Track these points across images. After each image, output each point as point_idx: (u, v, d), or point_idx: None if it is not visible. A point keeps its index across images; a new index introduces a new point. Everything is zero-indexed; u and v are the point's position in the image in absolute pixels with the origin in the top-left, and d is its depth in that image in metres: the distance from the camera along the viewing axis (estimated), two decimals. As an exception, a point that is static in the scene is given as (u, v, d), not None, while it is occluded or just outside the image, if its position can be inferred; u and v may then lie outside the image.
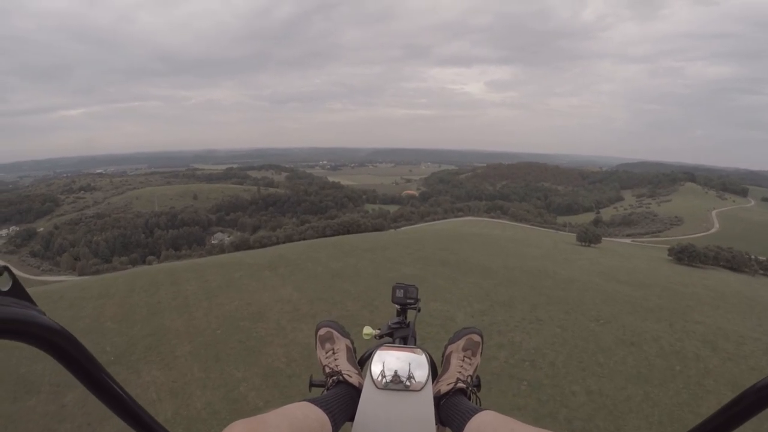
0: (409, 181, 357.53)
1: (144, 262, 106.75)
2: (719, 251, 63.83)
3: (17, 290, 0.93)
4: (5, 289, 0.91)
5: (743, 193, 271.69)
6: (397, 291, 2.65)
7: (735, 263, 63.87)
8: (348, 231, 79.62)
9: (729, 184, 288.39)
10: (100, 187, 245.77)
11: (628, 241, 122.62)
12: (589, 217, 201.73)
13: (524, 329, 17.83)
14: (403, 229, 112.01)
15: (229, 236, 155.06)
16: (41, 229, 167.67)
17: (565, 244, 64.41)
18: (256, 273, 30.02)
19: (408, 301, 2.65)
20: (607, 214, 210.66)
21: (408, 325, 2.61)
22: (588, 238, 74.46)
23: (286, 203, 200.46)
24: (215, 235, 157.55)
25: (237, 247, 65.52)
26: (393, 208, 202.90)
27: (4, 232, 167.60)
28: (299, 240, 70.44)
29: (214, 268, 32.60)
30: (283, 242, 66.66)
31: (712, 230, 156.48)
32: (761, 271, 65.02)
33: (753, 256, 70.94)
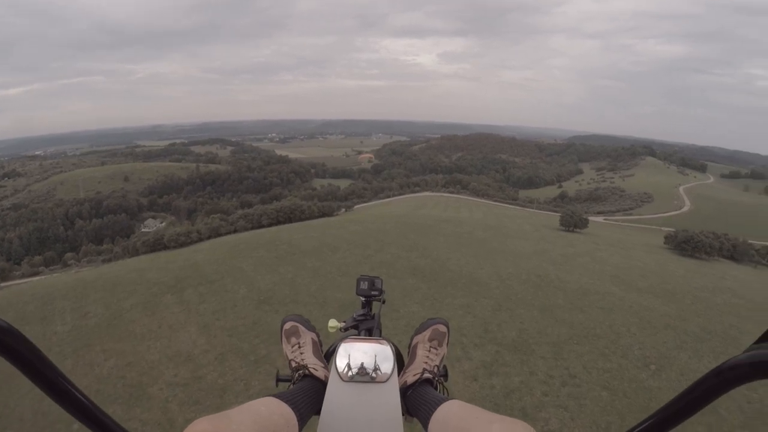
0: (360, 153, 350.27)
1: (61, 262, 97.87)
2: (720, 240, 59.25)
3: None
4: None
5: (702, 168, 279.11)
6: (362, 283, 2.76)
7: (736, 253, 60.19)
8: (289, 219, 71.64)
9: (688, 159, 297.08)
10: (28, 172, 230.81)
11: (600, 219, 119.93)
12: (552, 191, 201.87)
13: (558, 401, 13.84)
14: (356, 208, 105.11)
15: (162, 222, 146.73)
16: None
17: (548, 230, 59.35)
18: (154, 300, 24.23)
19: (372, 292, 2.75)
20: (569, 188, 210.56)
21: (373, 317, 2.68)
22: (574, 222, 67.84)
23: (226, 182, 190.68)
24: (146, 222, 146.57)
25: (152, 246, 56.83)
26: (344, 183, 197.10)
27: None
28: (227, 233, 62.89)
29: (101, 292, 26.40)
30: (207, 237, 58.55)
31: (684, 209, 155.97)
32: (764, 261, 62.32)
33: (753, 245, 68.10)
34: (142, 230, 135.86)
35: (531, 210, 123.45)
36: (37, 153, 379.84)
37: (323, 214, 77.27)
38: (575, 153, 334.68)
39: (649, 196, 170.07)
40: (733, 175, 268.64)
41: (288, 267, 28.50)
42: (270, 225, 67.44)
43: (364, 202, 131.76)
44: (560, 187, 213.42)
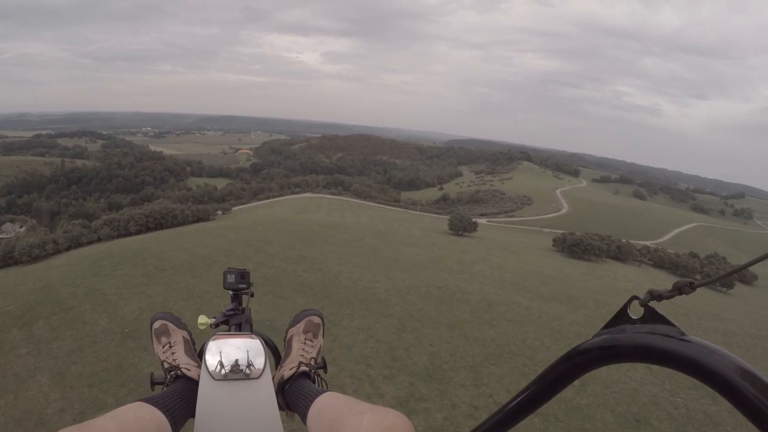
0: (237, 150, 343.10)
1: None
2: (605, 242, 62.23)
3: None
4: None
5: (575, 173, 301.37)
6: (228, 276, 2.64)
7: (621, 254, 63.67)
8: (160, 225, 66.96)
9: (562, 164, 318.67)
10: None
11: (484, 221, 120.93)
12: (433, 193, 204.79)
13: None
14: (235, 210, 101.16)
15: (21, 227, 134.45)
16: None
17: (438, 235, 60.31)
18: None
19: (241, 285, 2.64)
20: (450, 190, 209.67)
21: (243, 311, 2.60)
22: (463, 226, 67.79)
23: (94, 180, 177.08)
24: (3, 227, 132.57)
25: (2, 260, 50.76)
26: (221, 182, 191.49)
27: None
28: (90, 243, 57.71)
29: None
30: (66, 248, 53.10)
31: (563, 210, 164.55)
32: (645, 260, 66.85)
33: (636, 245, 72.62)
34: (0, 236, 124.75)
35: (415, 212, 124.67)
36: None
37: (198, 219, 73.02)
38: (455, 156, 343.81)
39: (529, 199, 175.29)
40: (604, 180, 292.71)
41: (157, 287, 25.40)
42: (138, 232, 62.84)
43: (243, 203, 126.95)
44: (441, 189, 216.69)
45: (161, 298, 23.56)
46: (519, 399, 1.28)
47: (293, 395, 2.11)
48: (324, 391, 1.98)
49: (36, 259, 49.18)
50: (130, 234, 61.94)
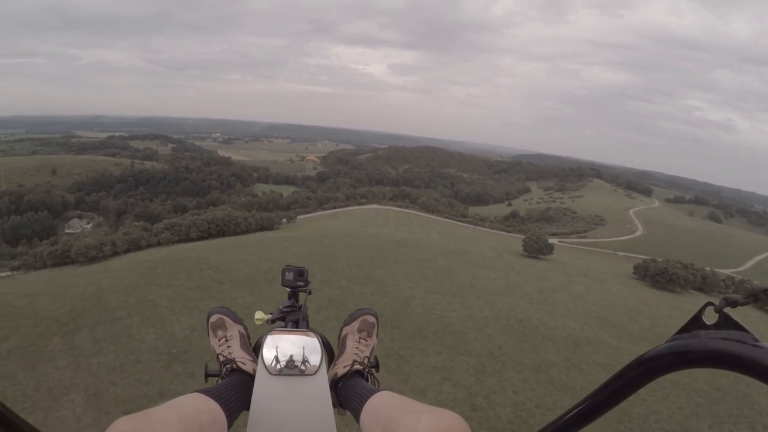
0: (304, 159, 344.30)
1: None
2: (690, 271, 57.61)
3: None
4: None
5: (647, 192, 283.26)
6: (287, 274, 2.72)
7: (706, 285, 59.06)
8: (222, 232, 65.64)
9: (633, 183, 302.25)
10: None
11: (555, 242, 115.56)
12: (501, 209, 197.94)
13: None
14: (300, 220, 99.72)
15: (88, 223, 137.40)
16: None
17: (512, 257, 56.55)
18: (37, 344, 19.14)
19: (299, 283, 2.73)
20: (518, 206, 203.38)
21: (299, 308, 2.66)
22: (538, 248, 64.12)
23: (161, 182, 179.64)
24: (71, 223, 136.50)
25: (58, 259, 49.90)
26: (287, 190, 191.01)
27: None
28: (148, 247, 56.87)
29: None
30: (125, 251, 52.21)
31: (637, 233, 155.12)
32: (732, 293, 57.32)
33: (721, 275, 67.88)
34: (66, 231, 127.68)
35: (484, 229, 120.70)
36: None
37: (262, 228, 71.45)
38: (522, 171, 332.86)
39: (601, 219, 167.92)
40: (677, 200, 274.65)
41: (212, 302, 22.50)
42: (200, 238, 61.60)
43: (308, 212, 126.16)
44: (510, 205, 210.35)
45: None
46: (586, 403, 1.28)
47: (346, 393, 2.16)
48: (379, 390, 2.01)
49: (92, 260, 48.44)
50: (191, 240, 61.02)
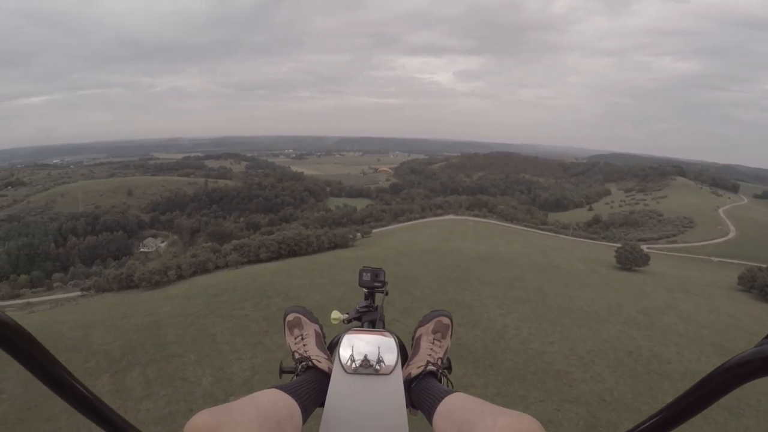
0: (377, 171, 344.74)
1: (44, 285, 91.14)
2: None
3: None
4: None
5: (734, 188, 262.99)
6: (364, 274, 2.77)
7: None
8: (293, 252, 63.63)
9: (718, 179, 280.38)
10: (34, 181, 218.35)
11: (644, 248, 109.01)
12: (582, 214, 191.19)
13: None
14: (375, 233, 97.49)
15: (163, 242, 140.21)
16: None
17: (605, 269, 52.98)
18: (86, 384, 14.88)
19: (375, 284, 2.76)
20: (599, 210, 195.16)
21: (376, 309, 2.70)
22: (633, 259, 59.22)
23: (234, 199, 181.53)
24: (145, 241, 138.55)
25: (123, 283, 49.00)
26: (361, 203, 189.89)
27: None
28: (216, 269, 55.49)
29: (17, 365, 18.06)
30: (191, 274, 51.23)
31: (730, 235, 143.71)
32: None
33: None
34: (141, 250, 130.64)
35: (567, 237, 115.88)
36: (54, 161, 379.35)
37: (335, 245, 69.35)
38: (600, 172, 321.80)
39: (690, 221, 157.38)
40: (766, 195, 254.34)
41: (278, 338, 20.02)
42: (269, 259, 59.61)
43: (383, 225, 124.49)
44: (590, 209, 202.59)
45: (281, 354, 18.34)
46: (671, 409, 1.25)
47: (419, 393, 2.15)
48: (453, 391, 1.99)
49: (156, 285, 47.23)
50: (260, 261, 59.12)
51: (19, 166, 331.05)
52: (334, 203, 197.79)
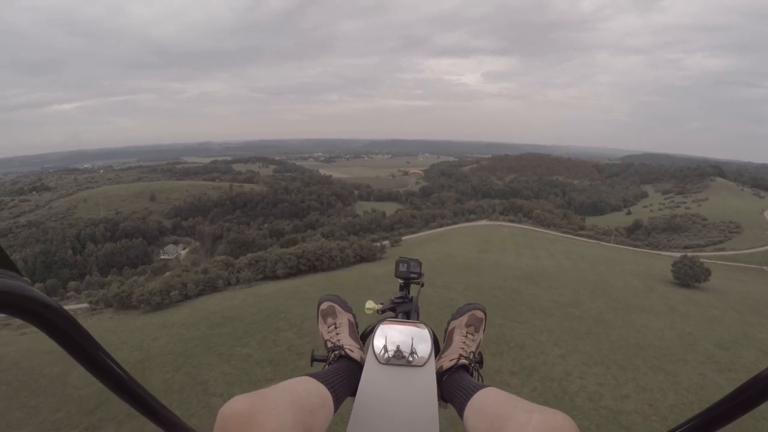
0: (406, 173, 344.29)
1: (58, 294, 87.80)
2: None
3: (2, 260, 0.90)
4: None
5: None
6: (401, 265, 2.79)
7: None
8: (314, 267, 59.09)
9: (759, 179, 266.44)
10: (58, 186, 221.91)
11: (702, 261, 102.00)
12: (620, 218, 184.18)
13: None
14: (405, 241, 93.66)
15: (184, 248, 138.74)
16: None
17: (663, 287, 47.81)
18: None
19: (411, 275, 2.78)
20: (638, 214, 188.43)
21: (411, 300, 2.73)
22: (694, 274, 53.70)
23: (259, 204, 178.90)
24: (166, 248, 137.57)
25: (121, 303, 45.28)
26: (390, 207, 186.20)
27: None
28: (227, 286, 51.63)
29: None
30: (197, 294, 47.57)
31: None
32: None
33: None
34: (161, 257, 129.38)
35: (609, 244, 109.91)
36: (85, 166, 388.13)
37: (361, 259, 65.01)
38: (636, 174, 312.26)
39: (737, 226, 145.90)
40: None
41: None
42: (287, 276, 55.44)
43: (413, 232, 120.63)
44: (629, 213, 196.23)
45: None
46: (712, 411, 1.26)
47: (451, 387, 2.16)
48: (486, 386, 2.00)
49: (156, 307, 43.70)
50: (276, 278, 55.12)
51: (50, 170, 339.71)
52: (363, 207, 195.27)
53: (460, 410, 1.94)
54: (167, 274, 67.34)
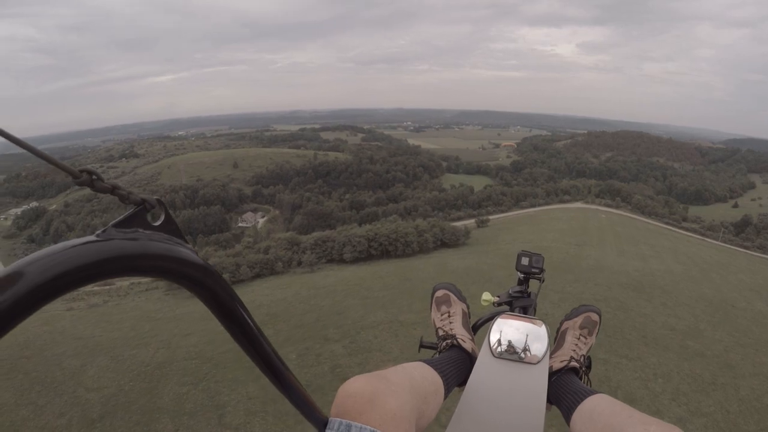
0: (497, 146, 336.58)
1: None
2: None
3: (170, 226, 0.90)
4: (157, 223, 0.90)
5: None
6: (523, 259, 2.73)
7: None
8: (387, 252, 55.60)
9: None
10: (147, 153, 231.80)
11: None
12: (724, 210, 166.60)
13: None
14: (492, 222, 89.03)
15: (263, 216, 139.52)
16: (53, 206, 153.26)
17: None
18: None
19: (533, 269, 2.71)
20: (746, 207, 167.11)
21: (530, 295, 2.71)
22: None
23: (342, 174, 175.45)
24: (245, 216, 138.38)
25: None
26: (478, 181, 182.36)
27: (14, 210, 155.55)
28: (286, 269, 49.09)
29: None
30: (251, 278, 44.90)
31: None
32: None
33: None
34: (239, 225, 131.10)
35: (715, 242, 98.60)
36: (179, 133, 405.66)
37: (442, 243, 60.83)
38: (742, 161, 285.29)
39: None
40: None
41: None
42: (354, 261, 52.42)
43: (502, 211, 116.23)
44: (736, 206, 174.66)
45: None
46: None
47: (559, 389, 2.15)
48: (596, 392, 1.98)
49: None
50: (343, 261, 52.43)
51: (144, 137, 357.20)
52: (450, 180, 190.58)
53: (567, 414, 1.94)
54: (229, 249, 64.91)
